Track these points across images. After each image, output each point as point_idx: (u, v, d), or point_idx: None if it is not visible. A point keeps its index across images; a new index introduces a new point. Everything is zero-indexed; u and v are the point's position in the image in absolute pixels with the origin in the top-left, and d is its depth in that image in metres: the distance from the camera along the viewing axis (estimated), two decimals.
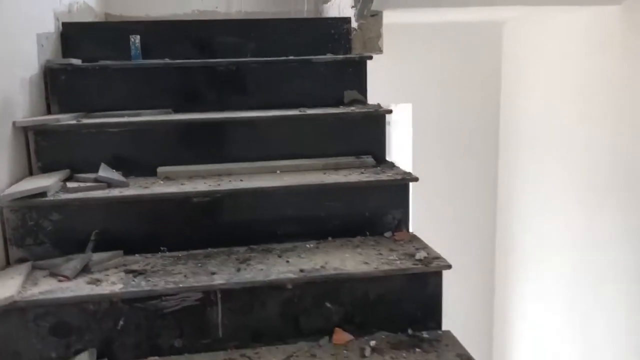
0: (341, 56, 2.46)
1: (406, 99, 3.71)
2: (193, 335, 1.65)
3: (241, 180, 1.99)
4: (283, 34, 2.57)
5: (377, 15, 2.58)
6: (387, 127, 2.29)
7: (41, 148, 2.04)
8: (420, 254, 1.78)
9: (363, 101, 2.44)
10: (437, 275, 1.75)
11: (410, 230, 2.04)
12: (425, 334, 1.73)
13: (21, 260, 1.79)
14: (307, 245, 1.91)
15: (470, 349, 1.63)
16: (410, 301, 1.75)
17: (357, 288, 1.72)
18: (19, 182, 1.88)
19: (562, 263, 3.22)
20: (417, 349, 1.65)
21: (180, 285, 1.61)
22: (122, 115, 2.18)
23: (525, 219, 3.58)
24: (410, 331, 1.74)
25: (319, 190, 1.94)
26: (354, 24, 2.57)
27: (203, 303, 1.64)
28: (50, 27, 2.35)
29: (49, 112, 2.29)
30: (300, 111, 2.23)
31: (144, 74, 2.34)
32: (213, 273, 1.68)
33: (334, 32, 2.57)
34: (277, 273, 1.67)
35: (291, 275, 1.66)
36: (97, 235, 1.84)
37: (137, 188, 1.91)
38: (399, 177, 1.98)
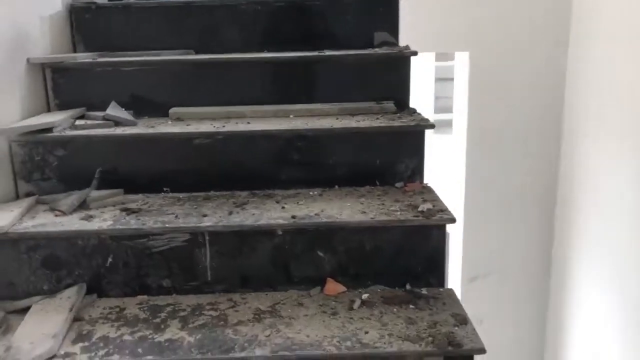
0: None
1: (463, 46, 3.45)
2: (181, 276, 1.63)
3: (248, 123, 1.92)
4: None
5: None
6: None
7: (58, 85, 2.05)
8: (425, 206, 1.66)
9: (394, 44, 2.29)
10: (440, 229, 1.63)
11: (425, 181, 1.91)
12: (424, 291, 1.62)
13: (28, 195, 1.83)
14: (311, 193, 1.83)
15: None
16: (410, 255, 1.64)
17: (352, 238, 1.63)
18: (33, 117, 1.91)
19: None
20: (411, 305, 1.55)
21: (167, 226, 1.58)
22: (142, 55, 2.16)
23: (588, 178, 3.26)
24: (408, 286, 1.64)
25: (325, 136, 1.85)
26: None
27: (191, 245, 1.61)
28: None
29: (74, 51, 2.30)
30: (318, 52, 2.12)
31: (167, 12, 2.30)
32: (204, 215, 1.64)
33: None
34: (268, 218, 1.61)
35: (281, 221, 1.59)
36: (101, 173, 1.84)
37: (142, 127, 1.89)
38: (412, 123, 1.84)
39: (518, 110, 3.40)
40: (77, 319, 1.51)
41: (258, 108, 2.05)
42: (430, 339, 1.38)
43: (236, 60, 2.08)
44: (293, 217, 1.61)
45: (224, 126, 1.87)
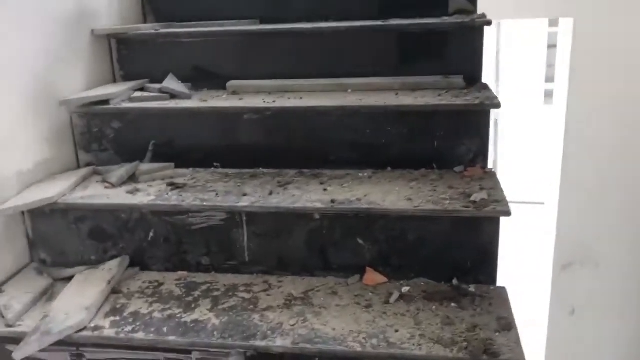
0: None
1: (567, 12, 3.13)
2: (220, 255, 1.62)
3: (301, 98, 1.84)
4: None
5: None
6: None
7: (122, 57, 2.09)
8: (479, 195, 1.51)
9: (471, 12, 2.10)
10: (493, 222, 1.48)
11: (490, 166, 1.74)
12: (471, 288, 1.49)
13: (88, 165, 1.89)
14: (360, 174, 1.74)
15: None
16: (458, 248, 1.51)
17: (394, 227, 1.52)
18: (95, 89, 1.95)
19: None
20: (453, 303, 1.43)
21: (205, 204, 1.56)
22: (203, 26, 2.14)
23: None
24: (455, 282, 1.51)
25: (378, 114, 1.73)
26: None
27: (229, 224, 1.58)
28: None
29: (145, 22, 2.33)
30: (382, 21, 1.98)
31: None
32: (245, 194, 1.61)
33: None
34: (306, 201, 1.54)
35: (319, 205, 1.52)
36: (154, 146, 1.86)
37: (194, 101, 1.87)
38: (476, 102, 1.68)
39: (625, 81, 3.05)
40: (116, 291, 1.54)
41: (315, 82, 1.96)
42: (465, 344, 1.27)
43: (294, 31, 2.00)
44: (332, 201, 1.53)
45: (274, 101, 1.81)
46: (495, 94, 1.78)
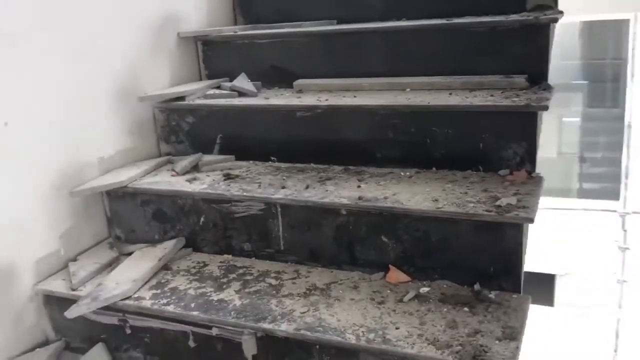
0: None
1: None
2: (259, 242, 1.75)
3: (354, 97, 1.91)
4: None
5: None
6: None
7: (207, 57, 2.30)
8: (507, 200, 1.48)
9: (551, 7, 2.01)
10: (516, 228, 1.44)
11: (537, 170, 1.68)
12: (491, 294, 1.47)
13: (168, 154, 2.12)
14: (402, 174, 1.76)
15: None
16: (481, 253, 1.49)
17: (417, 227, 1.54)
18: (176, 86, 2.18)
19: None
20: (466, 308, 1.42)
21: (245, 194, 1.70)
22: (281, 27, 2.27)
23: None
24: (477, 287, 1.49)
25: (425, 113, 1.74)
26: None
27: (266, 214, 1.70)
28: None
29: (235, 23, 2.53)
30: (447, 20, 1.98)
31: None
32: (283, 187, 1.72)
33: None
34: (334, 197, 1.61)
35: (345, 201, 1.59)
36: (221, 139, 2.04)
37: (257, 99, 2.02)
38: (521, 103, 1.63)
39: None
40: (167, 267, 1.74)
41: (375, 80, 2.02)
42: (458, 348, 1.27)
43: (356, 31, 2.07)
44: (359, 198, 1.59)
45: (327, 100, 1.89)
46: (549, 95, 1.70)
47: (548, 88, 1.79)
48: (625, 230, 5.96)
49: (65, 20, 1.73)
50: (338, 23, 2.30)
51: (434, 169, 1.77)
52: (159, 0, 2.12)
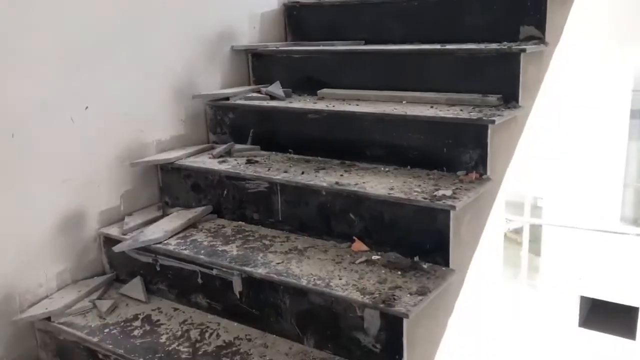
0: None
1: None
2: (265, 213, 2.26)
3: (357, 105, 2.39)
4: None
5: None
6: None
7: (254, 66, 2.87)
8: (443, 192, 1.90)
9: (540, 38, 2.38)
10: (445, 213, 1.84)
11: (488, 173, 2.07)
12: (425, 265, 1.89)
13: (214, 142, 2.70)
14: (383, 169, 2.21)
15: None
16: (420, 232, 1.91)
17: (374, 208, 1.99)
18: (225, 89, 2.76)
19: None
20: (399, 272, 1.85)
21: (254, 174, 2.23)
22: (319, 45, 2.79)
23: None
24: (416, 259, 1.92)
25: (400, 121, 2.19)
26: None
27: (269, 191, 2.22)
28: None
29: (286, 40, 3.09)
30: (441, 46, 2.40)
31: (348, 9, 2.86)
32: (285, 172, 2.23)
33: None
34: (318, 181, 2.10)
35: (325, 185, 2.07)
36: (253, 133, 2.59)
37: (283, 102, 2.55)
38: (474, 117, 2.03)
39: None
40: (194, 226, 2.30)
41: (380, 93, 2.48)
42: (377, 294, 1.71)
43: (367, 51, 2.54)
44: (336, 183, 2.06)
45: (333, 106, 2.38)
46: (515, 112, 2.09)
47: (515, 107, 2.17)
48: None
49: (139, 35, 2.35)
50: (366, 44, 2.78)
51: (409, 167, 2.20)
52: (216, 19, 2.71)
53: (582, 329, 7.25)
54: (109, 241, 2.28)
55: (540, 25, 2.36)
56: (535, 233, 9.14)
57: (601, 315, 7.91)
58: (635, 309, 6.66)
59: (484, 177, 2.05)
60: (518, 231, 9.79)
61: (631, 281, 7.45)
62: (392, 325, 1.67)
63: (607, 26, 2.83)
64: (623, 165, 7.34)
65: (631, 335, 6.76)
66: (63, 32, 2.10)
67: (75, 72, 2.15)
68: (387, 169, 2.20)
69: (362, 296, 1.71)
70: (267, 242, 2.12)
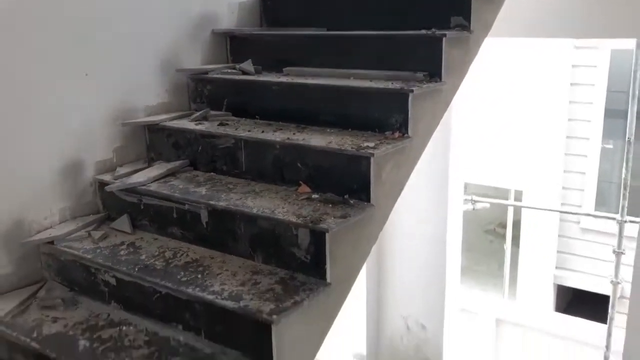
0: None
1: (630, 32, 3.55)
2: (231, 165, 2.81)
3: (313, 79, 2.94)
4: None
5: None
6: None
7: (232, 47, 3.42)
8: (367, 144, 2.45)
9: (465, 26, 2.93)
10: (366, 160, 2.39)
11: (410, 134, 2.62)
12: (352, 201, 2.44)
13: (194, 109, 3.26)
14: (329, 130, 2.75)
15: None
16: (350, 176, 2.45)
17: (315, 158, 2.54)
18: (205, 65, 3.32)
19: None
20: (331, 205, 2.39)
21: (222, 132, 2.79)
22: (287, 30, 3.34)
23: None
24: (346, 197, 2.47)
25: (336, 91, 2.74)
26: None
27: (234, 146, 2.77)
28: None
29: (261, 25, 3.64)
30: (384, 32, 2.96)
31: (315, 2, 3.42)
32: (249, 131, 2.78)
33: None
34: (273, 137, 2.66)
35: (277, 139, 2.62)
36: (227, 102, 3.15)
37: (253, 77, 3.10)
38: (398, 87, 2.59)
39: None
40: (172, 175, 2.85)
41: (334, 70, 3.02)
42: (308, 217, 2.27)
43: (322, 35, 3.09)
44: (287, 139, 2.62)
45: (292, 79, 2.94)
46: (434, 86, 2.64)
47: (437, 82, 2.73)
48: None
49: (135, 14, 2.91)
50: (327, 30, 3.33)
51: (350, 129, 2.75)
52: (200, 6, 3.26)
53: (557, 313, 7.78)
54: (103, 185, 2.83)
55: (467, 16, 2.91)
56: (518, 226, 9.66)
57: (575, 301, 8.48)
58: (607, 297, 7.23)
59: (405, 135, 2.60)
60: (504, 225, 10.33)
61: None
62: (318, 240, 2.22)
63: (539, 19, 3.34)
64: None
65: (603, 320, 7.33)
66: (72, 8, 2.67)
67: (80, 42, 2.71)
68: (332, 131, 2.75)
69: (297, 219, 2.26)
70: (230, 187, 2.67)
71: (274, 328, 1.99)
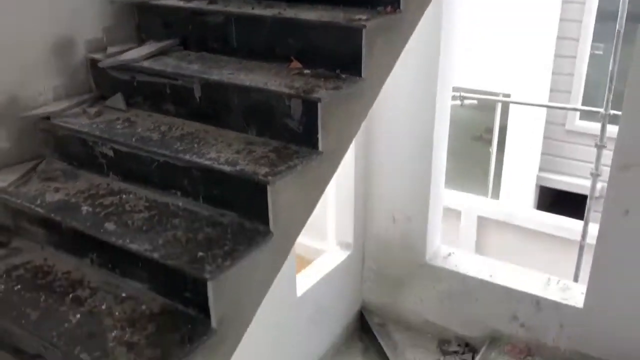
0: None
1: None
2: (221, 42, 2.83)
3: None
4: None
5: None
6: None
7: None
8: (359, 16, 2.48)
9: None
10: (358, 32, 2.43)
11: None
12: (343, 75, 2.50)
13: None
14: (321, 7, 2.76)
15: None
16: (341, 50, 2.50)
17: (306, 33, 2.57)
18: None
19: None
20: (323, 78, 2.46)
21: (215, 8, 2.79)
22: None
23: None
24: (337, 71, 2.53)
25: None
26: None
27: (225, 23, 2.78)
28: None
29: None
30: None
31: None
32: (239, 7, 2.79)
33: None
34: (264, 12, 2.67)
35: (268, 14, 2.64)
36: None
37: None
38: None
39: None
40: (164, 53, 2.87)
41: None
42: (299, 89, 2.33)
43: None
44: (279, 13, 2.64)
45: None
46: None
47: None
48: None
49: None
50: None
51: (342, 5, 2.75)
52: None
53: (537, 211, 8.08)
54: (95, 63, 2.86)
55: None
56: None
57: (557, 203, 8.78)
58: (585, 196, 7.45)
59: (397, 10, 2.62)
60: (490, 130, 10.46)
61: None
62: (310, 111, 2.29)
63: None
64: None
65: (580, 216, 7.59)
66: None
67: None
68: (324, 7, 2.76)
69: (289, 90, 2.33)
70: (222, 64, 2.71)
71: (269, 188, 2.10)
